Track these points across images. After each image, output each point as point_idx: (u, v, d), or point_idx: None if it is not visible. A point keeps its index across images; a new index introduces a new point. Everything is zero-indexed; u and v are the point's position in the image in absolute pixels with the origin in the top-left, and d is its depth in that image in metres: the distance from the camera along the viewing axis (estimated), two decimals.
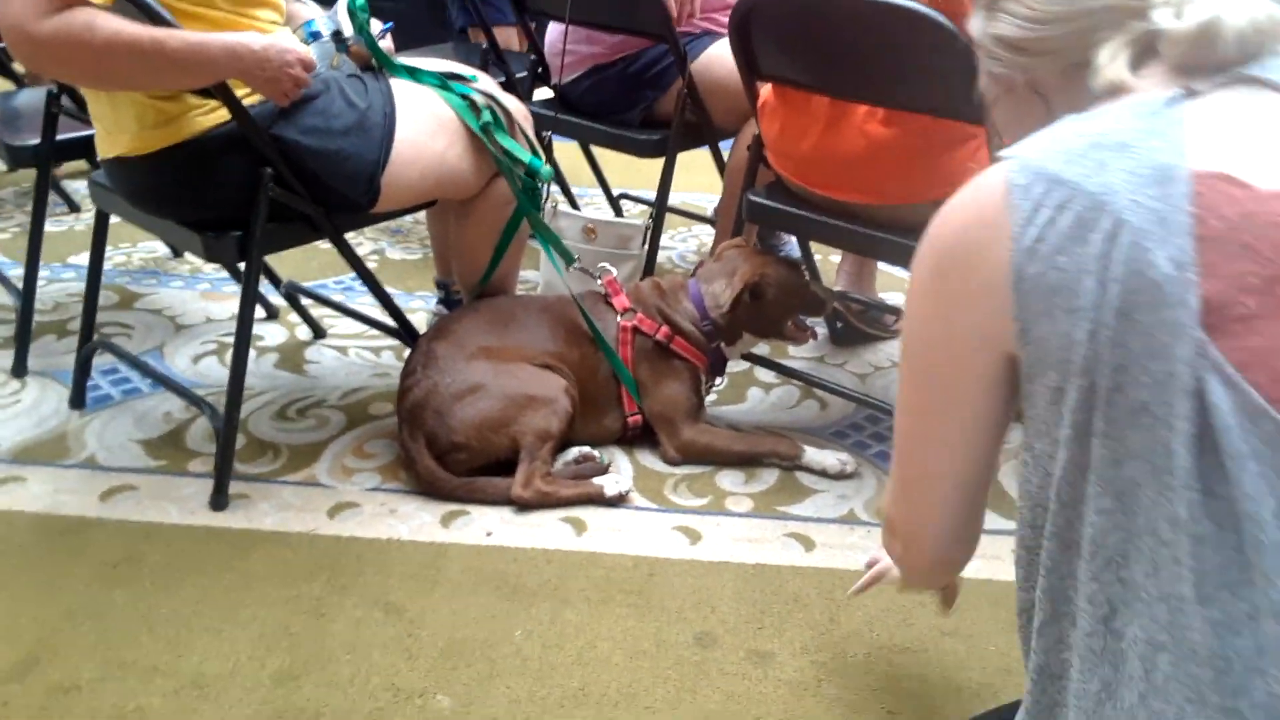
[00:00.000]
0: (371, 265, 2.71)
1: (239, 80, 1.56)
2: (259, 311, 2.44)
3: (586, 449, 1.92)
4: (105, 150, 1.71)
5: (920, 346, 0.92)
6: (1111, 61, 0.85)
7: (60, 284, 2.57)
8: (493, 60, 2.75)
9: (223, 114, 1.62)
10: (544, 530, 1.76)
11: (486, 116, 1.86)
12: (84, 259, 2.66)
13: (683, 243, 3.07)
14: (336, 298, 2.50)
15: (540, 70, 2.73)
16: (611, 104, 2.51)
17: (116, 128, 1.66)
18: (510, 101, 1.96)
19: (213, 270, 2.65)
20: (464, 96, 1.87)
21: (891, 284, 2.74)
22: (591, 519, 1.80)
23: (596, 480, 1.85)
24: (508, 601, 1.60)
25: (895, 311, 2.47)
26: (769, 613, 1.61)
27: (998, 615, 1.63)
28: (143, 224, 1.83)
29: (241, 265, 1.78)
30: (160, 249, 2.77)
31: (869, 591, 1.60)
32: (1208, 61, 0.82)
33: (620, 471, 1.93)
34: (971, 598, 1.66)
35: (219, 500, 1.75)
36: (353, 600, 1.58)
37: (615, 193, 3.10)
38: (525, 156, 1.89)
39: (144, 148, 1.64)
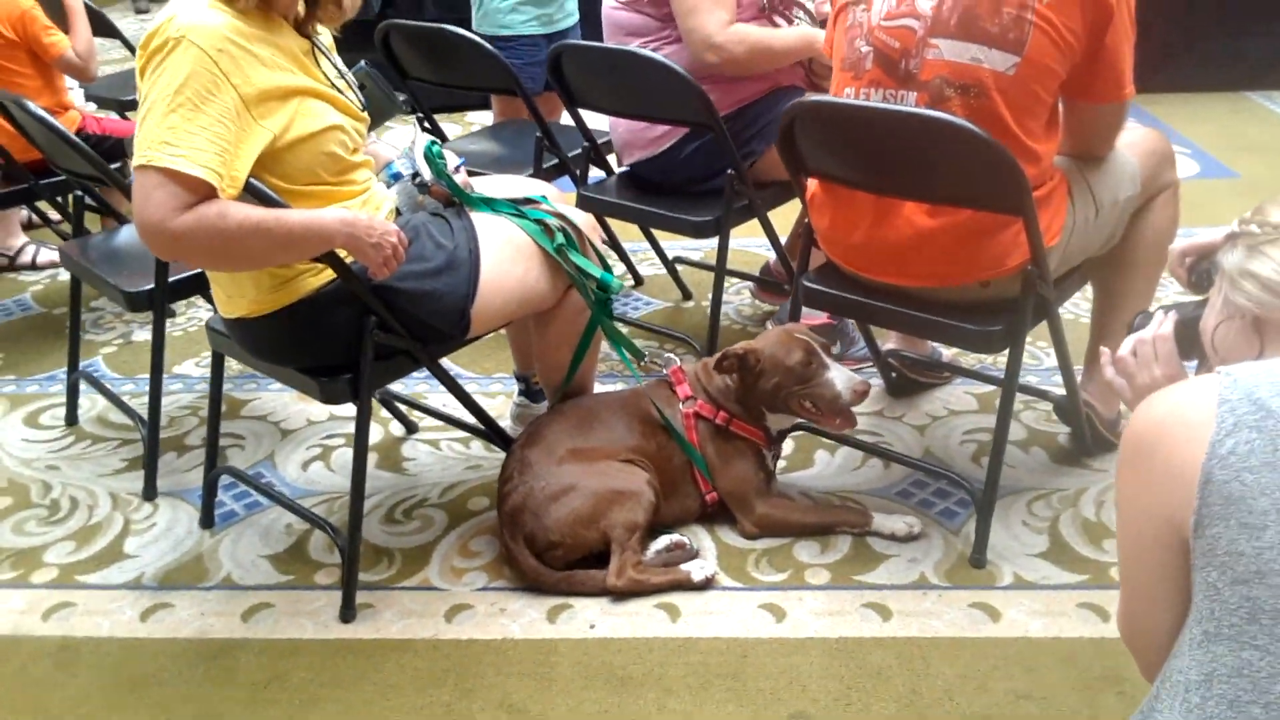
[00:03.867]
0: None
1: (348, 248, 1.74)
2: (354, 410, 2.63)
3: (676, 536, 2.08)
4: (226, 311, 1.91)
5: (1123, 508, 1.07)
6: None
7: (169, 397, 2.78)
8: (546, 146, 2.91)
9: (329, 274, 1.81)
10: (641, 619, 1.93)
11: (560, 239, 2.02)
12: (187, 368, 2.91)
13: (737, 295, 3.21)
14: (422, 393, 2.69)
15: (592, 155, 2.89)
16: (705, 168, 2.59)
17: (237, 292, 1.85)
18: (578, 216, 2.12)
19: None
20: (538, 221, 2.04)
21: None
22: (684, 603, 1.96)
23: (684, 566, 2.01)
24: (616, 695, 1.77)
25: (946, 366, 2.60)
26: (855, 688, 1.76)
27: (1068, 674, 1.76)
28: (260, 369, 2.02)
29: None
30: None
31: (944, 660, 1.75)
32: None
33: (705, 553, 2.10)
34: (1041, 657, 1.80)
35: (347, 614, 1.94)
36: (478, 704, 1.76)
37: (670, 256, 3.24)
38: (596, 272, 2.06)
39: (261, 310, 1.84)
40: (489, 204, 2.08)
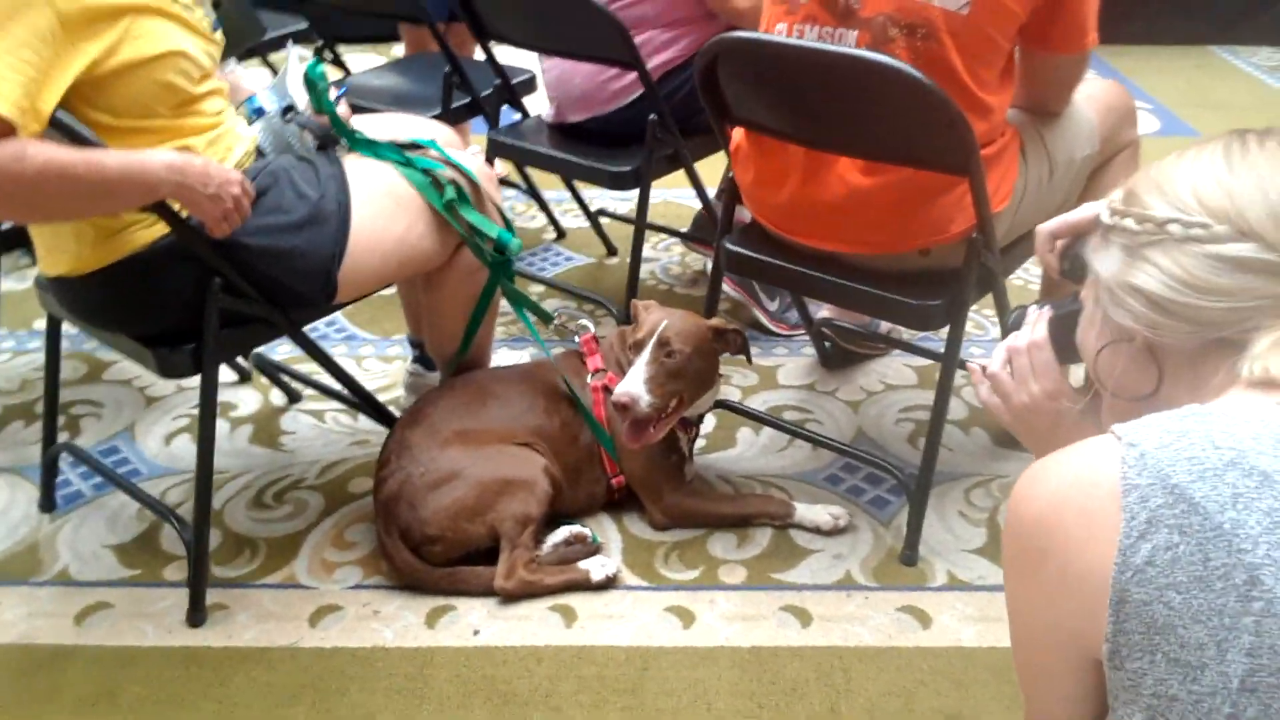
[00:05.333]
0: None
1: (179, 199, 1.47)
2: (230, 375, 2.37)
3: (576, 528, 1.85)
4: (46, 268, 1.63)
5: (1016, 614, 0.85)
6: (1270, 353, 0.77)
7: (27, 356, 2.49)
8: (456, 83, 2.63)
9: (163, 226, 1.54)
10: (532, 624, 1.71)
11: (450, 193, 1.76)
12: None
13: (665, 252, 2.98)
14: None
15: (508, 93, 2.62)
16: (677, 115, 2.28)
17: (56, 246, 1.58)
18: (473, 165, 1.86)
19: None
20: (425, 171, 1.78)
21: None
22: (581, 605, 1.75)
23: (582, 565, 1.79)
24: (498, 714, 1.55)
25: (883, 338, 2.39)
26: (766, 706, 1.57)
27: (1002, 690, 1.58)
28: (93, 336, 1.75)
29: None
30: None
31: (867, 674, 1.56)
32: None
33: (609, 544, 1.88)
34: (973, 670, 1.62)
35: (196, 617, 1.70)
36: None
37: (593, 208, 2.99)
38: (494, 231, 1.80)
39: (85, 267, 1.56)
40: (371, 147, 1.81)
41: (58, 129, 1.41)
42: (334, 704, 1.57)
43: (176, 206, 1.51)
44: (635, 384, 1.78)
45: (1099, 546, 0.73)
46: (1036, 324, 1.08)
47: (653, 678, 1.62)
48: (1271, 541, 0.68)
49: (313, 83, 1.78)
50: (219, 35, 1.67)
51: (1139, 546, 0.71)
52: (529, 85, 2.77)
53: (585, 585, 1.77)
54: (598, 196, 3.06)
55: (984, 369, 1.12)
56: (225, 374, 2.38)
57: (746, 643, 1.68)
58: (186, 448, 2.15)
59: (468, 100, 2.66)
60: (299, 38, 2.71)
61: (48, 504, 1.96)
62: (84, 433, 2.19)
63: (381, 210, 1.73)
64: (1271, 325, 0.79)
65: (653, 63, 2.27)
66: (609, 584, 1.78)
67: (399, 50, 4.66)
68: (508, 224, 1.88)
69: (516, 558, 1.75)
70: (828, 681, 1.61)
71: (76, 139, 1.42)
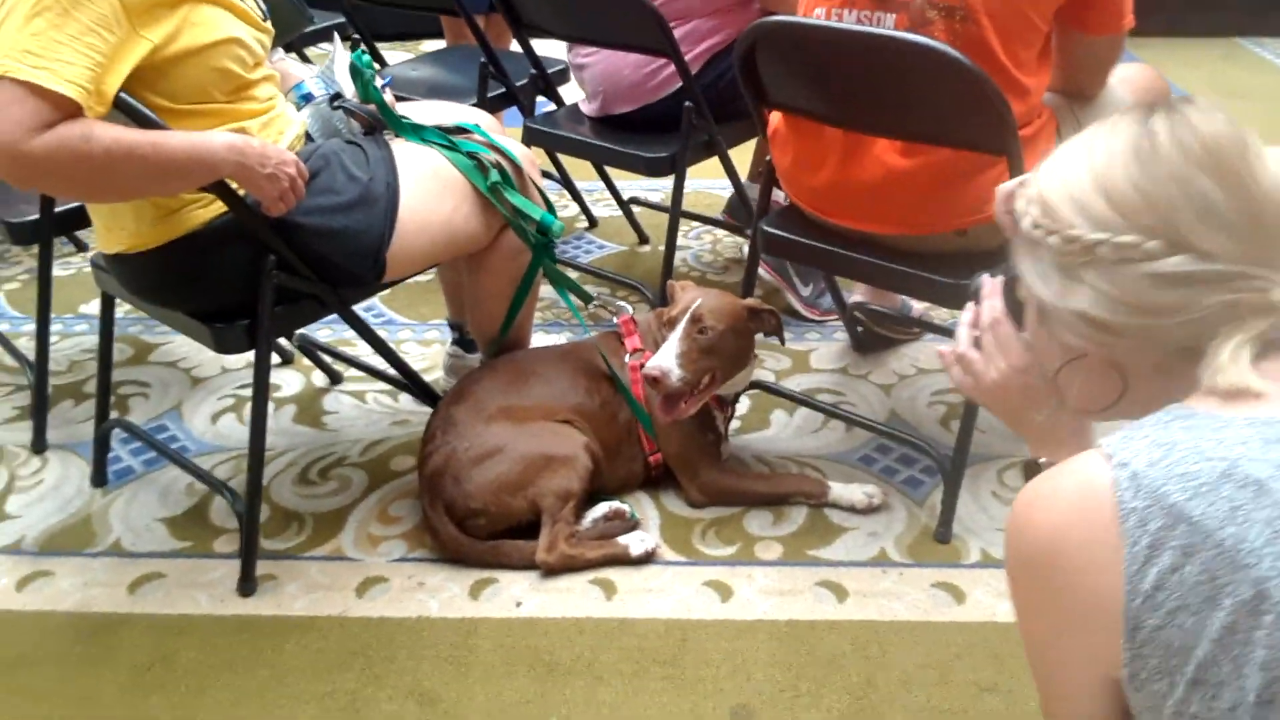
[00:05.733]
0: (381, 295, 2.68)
1: (238, 179, 1.51)
2: (274, 358, 2.42)
3: (616, 504, 1.89)
4: (105, 246, 1.68)
5: (1029, 637, 0.84)
6: (1234, 363, 0.75)
7: (73, 339, 2.55)
8: (491, 73, 2.67)
9: (220, 206, 1.58)
10: (574, 596, 1.75)
11: (495, 176, 1.80)
12: (96, 307, 2.67)
13: (697, 240, 3.01)
14: (349, 339, 2.48)
15: (541, 84, 2.66)
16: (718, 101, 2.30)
17: (115, 224, 1.62)
18: (517, 150, 1.90)
19: None
20: (470, 154, 1.81)
21: None
22: (621, 579, 1.78)
23: (621, 539, 1.82)
24: (540, 683, 1.59)
25: (916, 322, 2.42)
26: (804, 677, 1.60)
27: None
28: (149, 313, 1.80)
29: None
30: None
31: (903, 647, 1.58)
32: None
33: (648, 523, 1.91)
34: (1008, 644, 1.65)
35: (246, 587, 1.75)
36: (386, 692, 1.57)
37: (625, 196, 3.02)
38: (536, 213, 1.84)
39: (143, 244, 1.61)
40: (416, 132, 1.85)
41: (121, 110, 1.45)
42: (383, 670, 1.61)
43: (234, 186, 1.55)
44: (667, 358, 1.81)
45: (1105, 575, 0.73)
46: (992, 297, 1.05)
47: (692, 649, 1.65)
48: (1275, 553, 0.67)
49: (359, 71, 1.82)
50: (268, 24, 1.71)
51: (1145, 572, 0.71)
52: (562, 75, 2.80)
53: (625, 560, 1.80)
54: (628, 186, 3.09)
55: (953, 352, 1.09)
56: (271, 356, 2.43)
57: (784, 616, 1.71)
58: (231, 426, 2.20)
59: (503, 90, 2.70)
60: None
61: (99, 479, 2.01)
62: (133, 411, 2.25)
63: (429, 192, 1.77)
64: (1228, 332, 0.76)
65: (697, 49, 2.31)
66: (648, 559, 1.81)
67: (428, 47, 4.74)
68: (549, 207, 1.91)
69: (558, 532, 1.79)
70: (864, 654, 1.63)
71: (139, 120, 1.46)
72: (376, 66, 1.86)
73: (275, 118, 1.68)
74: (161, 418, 2.23)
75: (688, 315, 1.84)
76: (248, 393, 2.30)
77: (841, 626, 1.69)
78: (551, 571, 1.78)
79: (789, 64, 1.79)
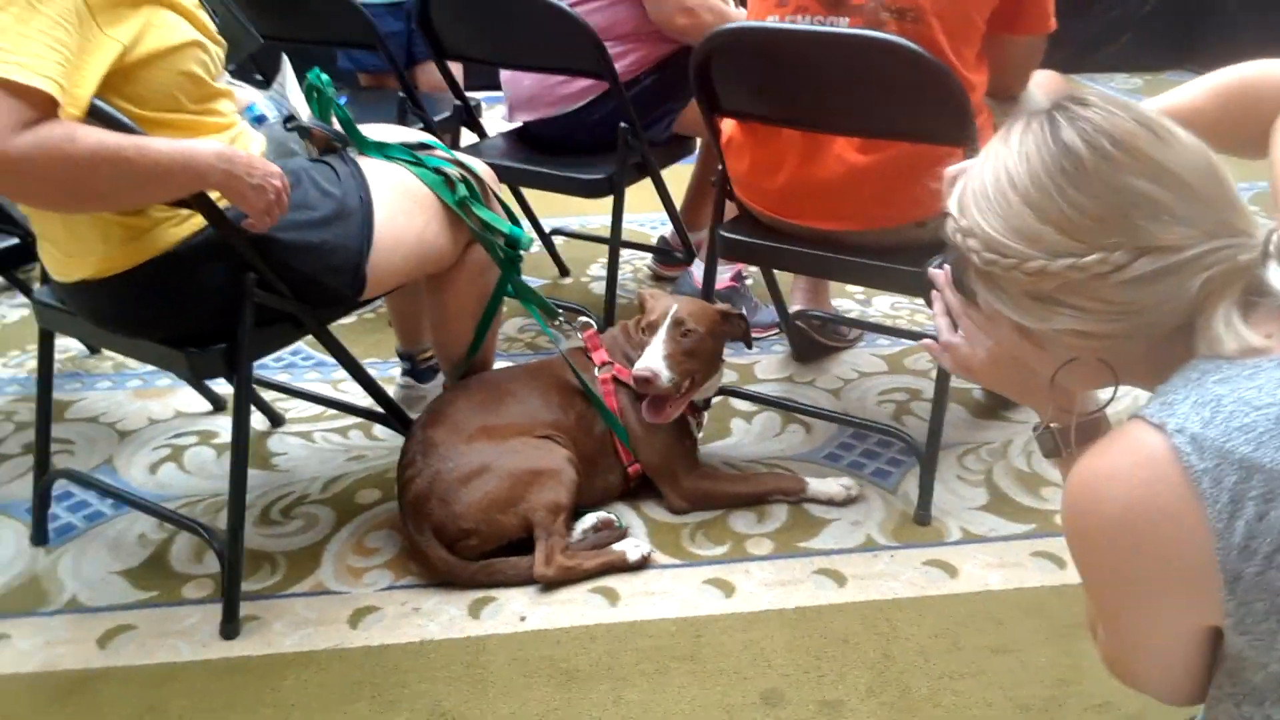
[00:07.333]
0: None
1: (224, 189, 1.45)
2: (203, 405, 2.30)
3: (603, 514, 1.87)
4: (65, 274, 1.57)
5: (1114, 606, 0.85)
6: (1229, 330, 0.78)
7: None
8: (410, 108, 2.65)
9: (196, 223, 1.51)
10: (577, 606, 1.71)
11: (462, 191, 1.79)
12: (13, 357, 2.49)
13: (625, 266, 3.03)
14: (280, 377, 2.38)
15: (466, 115, 2.65)
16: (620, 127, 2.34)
17: (78, 250, 1.52)
18: (479, 166, 1.89)
19: (140, 365, 2.47)
20: (436, 170, 1.79)
21: (843, 293, 2.78)
22: (621, 586, 1.76)
23: (617, 546, 1.80)
24: (564, 690, 1.55)
25: (852, 324, 2.50)
26: (824, 658, 1.61)
27: (1039, 625, 1.67)
28: (108, 344, 1.69)
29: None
30: (74, 346, 2.56)
31: (911, 621, 1.61)
32: None
33: (634, 530, 1.90)
34: (1007, 610, 1.70)
35: (230, 629, 1.64)
36: (404, 716, 1.50)
37: (548, 228, 3.02)
38: (505, 226, 1.83)
39: (114, 268, 1.51)
40: (381, 149, 1.82)
41: (97, 119, 1.38)
42: (395, 696, 1.53)
43: (215, 198, 1.49)
44: (655, 359, 1.82)
45: (1193, 537, 0.75)
46: (947, 287, 1.08)
47: (708, 644, 1.64)
48: None
49: (320, 89, 1.79)
50: (221, 39, 1.66)
51: (1233, 526, 0.73)
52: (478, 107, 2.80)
53: (622, 566, 1.78)
54: (549, 221, 3.09)
55: (938, 344, 1.11)
56: (199, 404, 2.31)
57: (790, 604, 1.72)
58: (173, 475, 2.07)
59: (421, 126, 2.68)
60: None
61: (40, 537, 1.86)
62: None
63: (400, 208, 1.74)
64: (1212, 303, 0.79)
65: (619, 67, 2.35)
66: (644, 563, 1.80)
67: None
68: (514, 220, 1.90)
69: (553, 545, 1.75)
70: (875, 631, 1.66)
71: (119, 129, 1.39)
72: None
73: (239, 135, 1.63)
74: (94, 472, 2.07)
75: (669, 319, 1.86)
76: (184, 441, 2.19)
77: (848, 609, 1.71)
78: (550, 584, 1.74)
79: (747, 70, 1.85)
